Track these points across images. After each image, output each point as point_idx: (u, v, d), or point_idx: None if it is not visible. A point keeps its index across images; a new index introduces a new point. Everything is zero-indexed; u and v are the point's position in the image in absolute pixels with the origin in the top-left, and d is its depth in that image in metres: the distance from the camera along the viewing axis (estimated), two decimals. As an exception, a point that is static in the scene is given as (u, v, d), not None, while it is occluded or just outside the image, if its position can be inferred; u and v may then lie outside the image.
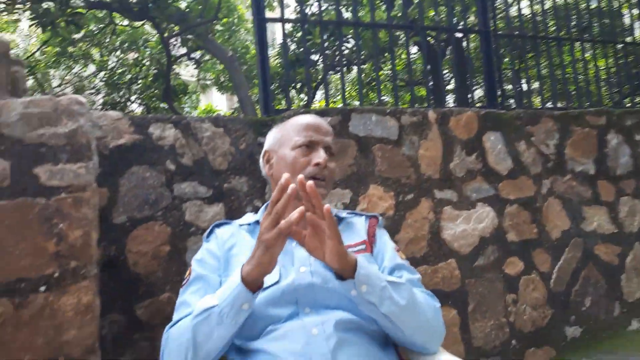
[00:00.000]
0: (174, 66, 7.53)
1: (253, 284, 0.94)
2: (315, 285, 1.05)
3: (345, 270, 0.95)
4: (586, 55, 3.19)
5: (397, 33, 5.15)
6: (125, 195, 1.71)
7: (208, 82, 9.71)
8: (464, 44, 3.85)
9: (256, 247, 0.93)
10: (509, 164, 2.35)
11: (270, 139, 1.29)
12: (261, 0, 2.30)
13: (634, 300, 2.49)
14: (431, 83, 6.21)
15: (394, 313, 0.98)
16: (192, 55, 8.28)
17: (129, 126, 1.79)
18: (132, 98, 7.62)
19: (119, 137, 1.77)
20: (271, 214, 0.90)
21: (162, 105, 7.73)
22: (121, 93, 7.45)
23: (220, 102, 14.94)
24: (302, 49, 4.71)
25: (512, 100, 5.70)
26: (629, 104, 3.85)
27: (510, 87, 4.67)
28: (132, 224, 1.69)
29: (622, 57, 3.25)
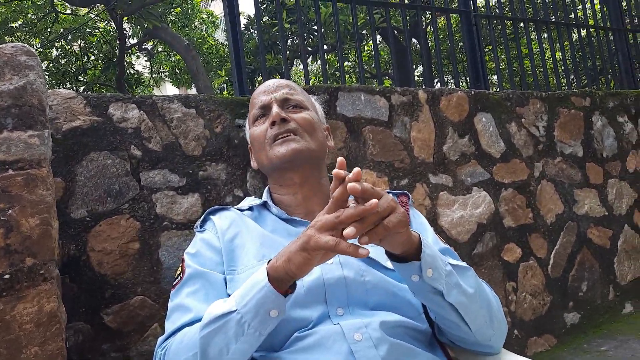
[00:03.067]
0: (125, 57, 7.06)
1: (281, 283, 0.72)
2: (348, 280, 0.85)
3: (408, 250, 0.75)
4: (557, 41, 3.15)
5: (370, 15, 5.00)
6: (83, 186, 1.44)
7: (162, 75, 9.23)
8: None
9: (295, 241, 0.72)
10: (501, 146, 2.23)
11: (246, 131, 1.16)
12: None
13: (626, 283, 2.44)
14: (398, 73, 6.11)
15: (462, 304, 0.79)
16: (145, 46, 7.83)
17: (84, 106, 1.52)
18: (81, 89, 7.07)
19: (73, 118, 1.50)
20: (333, 207, 0.70)
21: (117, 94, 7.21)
22: (67, 85, 6.88)
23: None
24: (267, 34, 4.47)
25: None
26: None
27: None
28: (93, 219, 1.42)
29: (586, 44, 3.24)
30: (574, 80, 3.00)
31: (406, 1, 3.31)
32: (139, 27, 5.42)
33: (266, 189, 1.10)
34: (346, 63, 7.59)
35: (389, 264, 0.90)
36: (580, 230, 2.35)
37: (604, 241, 2.42)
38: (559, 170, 2.37)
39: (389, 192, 1.08)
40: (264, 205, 1.04)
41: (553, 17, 3.06)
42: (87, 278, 1.35)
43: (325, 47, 5.67)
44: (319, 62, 7.16)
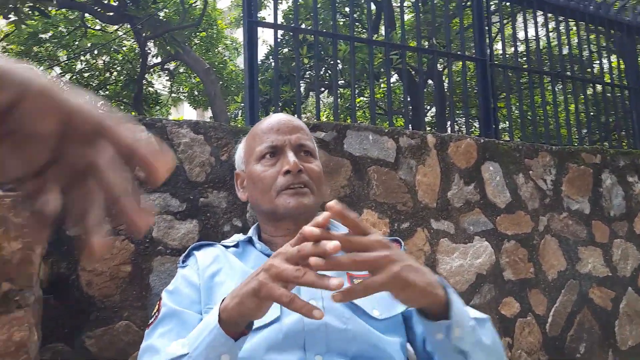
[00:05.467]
0: (146, 75, 7.23)
1: (233, 326, 0.70)
2: (330, 327, 0.82)
3: (431, 307, 0.70)
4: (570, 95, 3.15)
5: (387, 56, 5.08)
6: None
7: (181, 96, 9.41)
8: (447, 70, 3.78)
9: (247, 281, 0.69)
10: (507, 197, 2.21)
11: (237, 157, 1.12)
12: (253, 1, 2.13)
13: (626, 348, 2.36)
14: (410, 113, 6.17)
15: None
16: (167, 66, 8.02)
17: (95, 124, 1.54)
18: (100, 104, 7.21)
19: (83, 135, 1.52)
20: (291, 254, 0.65)
21: (131, 114, 7.36)
22: (87, 98, 7.03)
23: (191, 118, 14.64)
24: (286, 66, 4.56)
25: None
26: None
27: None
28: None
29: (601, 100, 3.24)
30: (586, 135, 2.99)
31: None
32: (161, 50, 5.58)
33: (255, 225, 1.09)
34: (360, 98, 7.67)
35: (375, 312, 0.88)
36: (581, 289, 2.29)
37: (605, 302, 2.35)
38: (564, 226, 2.34)
39: None
40: (249, 241, 1.03)
41: (569, 71, 3.08)
42: (73, 298, 1.34)
43: (341, 81, 5.76)
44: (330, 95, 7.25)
